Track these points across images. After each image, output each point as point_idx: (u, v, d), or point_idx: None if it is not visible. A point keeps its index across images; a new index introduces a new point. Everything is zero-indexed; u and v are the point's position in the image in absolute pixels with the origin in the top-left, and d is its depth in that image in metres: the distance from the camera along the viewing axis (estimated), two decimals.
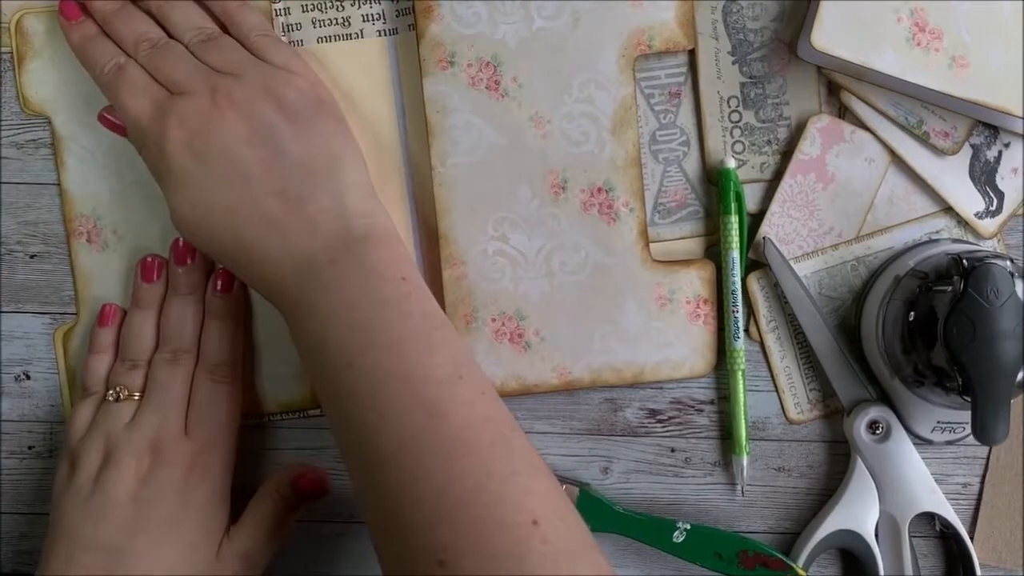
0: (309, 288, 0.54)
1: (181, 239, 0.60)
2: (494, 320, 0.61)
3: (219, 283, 0.60)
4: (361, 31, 0.62)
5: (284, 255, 0.54)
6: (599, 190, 0.61)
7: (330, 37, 0.61)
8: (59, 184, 0.62)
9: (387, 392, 0.50)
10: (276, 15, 0.61)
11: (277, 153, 0.55)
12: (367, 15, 0.61)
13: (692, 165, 0.62)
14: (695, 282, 0.61)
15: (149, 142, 0.56)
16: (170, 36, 0.59)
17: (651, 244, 0.62)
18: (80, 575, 0.55)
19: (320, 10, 0.61)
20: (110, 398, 0.59)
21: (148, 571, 0.55)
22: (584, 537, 0.49)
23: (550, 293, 0.61)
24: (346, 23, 0.61)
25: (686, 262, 0.62)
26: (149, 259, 0.61)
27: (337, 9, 0.61)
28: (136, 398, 0.59)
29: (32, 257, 0.63)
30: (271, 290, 0.55)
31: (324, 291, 0.53)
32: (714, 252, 0.62)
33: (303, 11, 0.61)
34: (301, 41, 0.61)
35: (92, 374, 0.61)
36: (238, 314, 0.61)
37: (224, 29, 0.59)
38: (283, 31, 0.61)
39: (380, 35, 0.62)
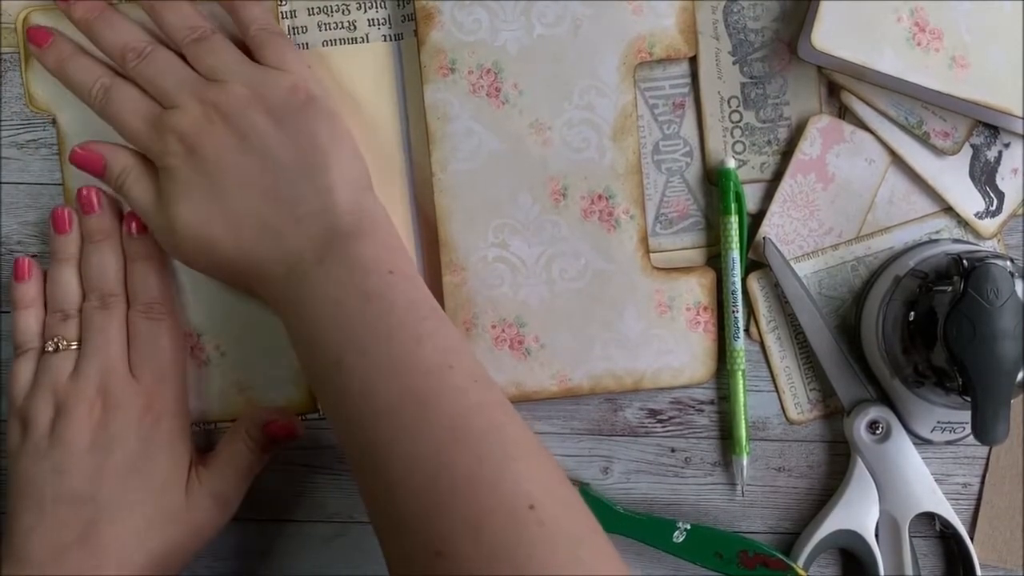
0: (300, 288, 0.54)
1: (86, 188, 0.60)
2: (494, 327, 0.61)
3: (133, 224, 0.60)
4: (367, 35, 0.62)
5: (278, 258, 0.55)
6: (599, 197, 0.61)
7: (335, 40, 0.61)
8: (62, 183, 0.62)
9: (377, 388, 0.50)
10: (282, 18, 0.61)
11: (266, 158, 0.55)
12: (372, 19, 0.61)
13: (694, 176, 0.62)
14: (695, 289, 0.61)
15: (152, 158, 0.57)
16: (162, 39, 0.59)
17: (652, 254, 0.62)
18: (55, 526, 0.55)
19: (326, 13, 0.61)
20: (48, 349, 0.59)
21: (120, 515, 0.55)
22: (586, 520, 0.49)
23: (550, 300, 0.61)
24: (351, 27, 0.61)
25: (686, 269, 0.62)
26: (59, 210, 0.61)
27: (343, 13, 0.61)
28: (74, 347, 0.59)
29: (32, 257, 0.63)
30: (269, 294, 0.56)
31: (312, 291, 0.53)
32: (715, 263, 0.62)
33: (309, 14, 0.61)
34: (306, 44, 0.61)
35: (23, 330, 0.60)
36: (159, 251, 0.60)
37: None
38: (289, 34, 0.61)
39: (385, 39, 0.62)
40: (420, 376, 0.51)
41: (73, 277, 0.60)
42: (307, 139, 0.55)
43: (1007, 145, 0.61)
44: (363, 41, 0.62)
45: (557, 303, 0.61)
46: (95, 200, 0.60)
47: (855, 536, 0.61)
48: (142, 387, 0.58)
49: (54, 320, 0.60)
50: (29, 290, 0.61)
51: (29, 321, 0.60)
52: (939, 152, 0.61)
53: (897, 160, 0.62)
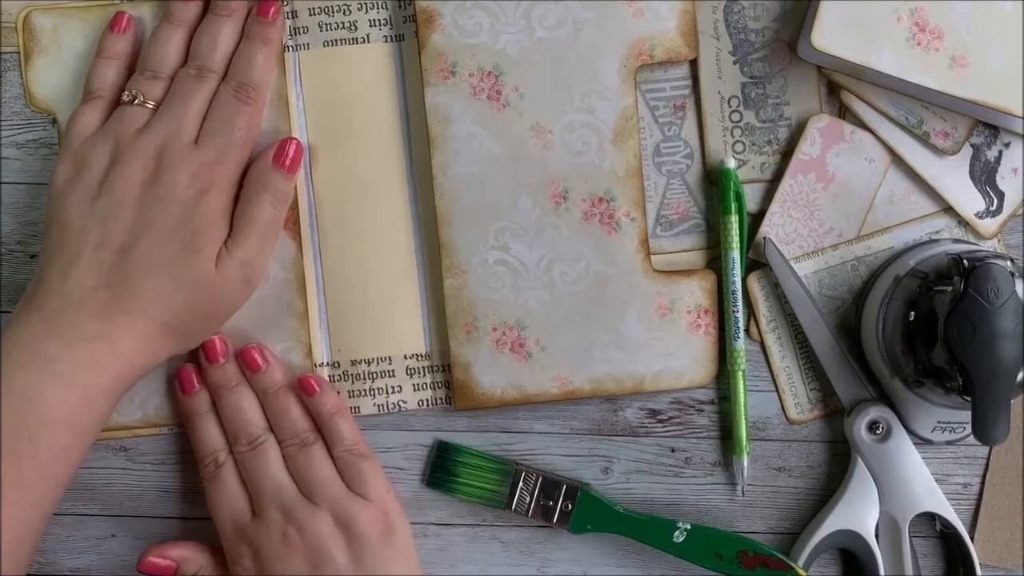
0: None
1: None
2: (495, 329, 0.61)
3: (270, 9, 0.60)
4: (367, 36, 0.62)
5: None
6: (600, 200, 0.61)
7: (336, 41, 0.61)
8: None
9: None
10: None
11: None
12: (374, 20, 0.61)
13: (695, 178, 0.62)
14: (696, 292, 0.61)
15: (228, 562, 0.59)
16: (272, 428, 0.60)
17: (653, 256, 0.62)
18: (90, 270, 0.56)
19: (327, 14, 0.61)
20: (125, 99, 0.59)
21: (152, 272, 0.56)
22: None
23: (551, 303, 0.61)
24: (352, 27, 0.61)
25: (687, 272, 0.62)
26: None
27: (344, 13, 0.61)
28: (150, 107, 0.59)
29: (32, 257, 0.63)
30: None
31: None
32: (716, 265, 0.62)
33: (310, 14, 0.61)
34: (307, 44, 0.61)
35: (99, 78, 0.60)
36: (277, 42, 0.60)
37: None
38: (290, 34, 0.61)
39: (386, 40, 0.62)
40: None
41: (179, 42, 0.60)
42: None
43: (1007, 145, 0.61)
44: (364, 42, 0.62)
45: (558, 306, 0.61)
46: None
47: (855, 536, 0.61)
48: (200, 157, 0.57)
49: (142, 77, 0.59)
50: (117, 43, 0.60)
51: (106, 72, 0.60)
52: (939, 152, 0.61)
53: (897, 160, 0.62)
